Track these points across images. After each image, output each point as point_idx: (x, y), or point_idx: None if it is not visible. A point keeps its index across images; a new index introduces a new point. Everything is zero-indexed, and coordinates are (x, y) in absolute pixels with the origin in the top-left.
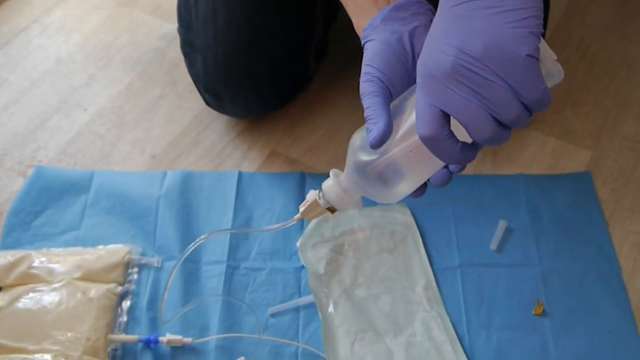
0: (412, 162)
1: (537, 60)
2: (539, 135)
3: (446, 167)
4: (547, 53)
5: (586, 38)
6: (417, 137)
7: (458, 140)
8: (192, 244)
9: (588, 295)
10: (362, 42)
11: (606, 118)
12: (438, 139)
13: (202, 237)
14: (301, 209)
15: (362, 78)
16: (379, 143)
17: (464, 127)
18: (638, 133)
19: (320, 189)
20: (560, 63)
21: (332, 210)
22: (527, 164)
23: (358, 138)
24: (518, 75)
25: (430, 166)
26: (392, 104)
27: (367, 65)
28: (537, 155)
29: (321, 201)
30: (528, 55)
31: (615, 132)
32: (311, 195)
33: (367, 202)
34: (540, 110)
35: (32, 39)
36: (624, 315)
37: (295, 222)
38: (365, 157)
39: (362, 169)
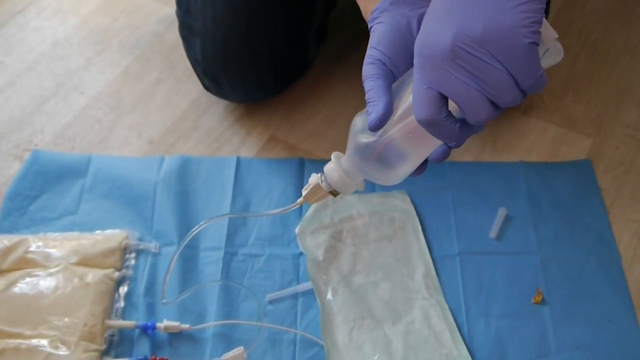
0: (411, 142)
1: (537, 45)
2: (540, 123)
3: (445, 143)
4: (548, 32)
5: (588, 25)
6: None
7: (456, 120)
8: (196, 227)
9: (588, 284)
10: (369, 25)
11: (607, 106)
12: (436, 122)
13: (205, 221)
14: (304, 192)
15: (366, 60)
16: (377, 125)
17: (461, 109)
18: (639, 121)
19: (322, 172)
20: None
21: (334, 193)
22: (527, 151)
23: (359, 121)
24: (517, 62)
25: (430, 145)
26: (393, 86)
27: (373, 48)
28: (538, 142)
29: (323, 184)
30: (529, 42)
31: (617, 120)
32: (313, 178)
33: (367, 188)
34: (534, 93)
35: (28, 21)
36: (624, 304)
37: (298, 205)
38: (365, 139)
39: (363, 151)
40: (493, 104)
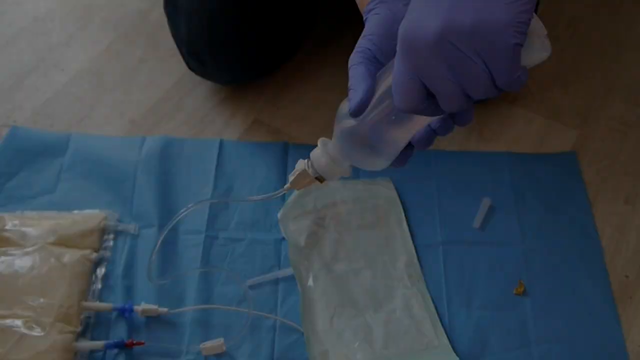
0: (394, 124)
1: (522, 46)
2: (526, 113)
3: (428, 126)
4: (537, 28)
5: (577, 16)
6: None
7: (436, 107)
8: (183, 209)
9: (569, 276)
10: (365, 17)
11: (594, 98)
12: (418, 110)
13: (192, 205)
14: (290, 178)
15: (355, 49)
16: (357, 111)
17: (436, 97)
18: (625, 114)
19: (308, 158)
20: (550, 41)
21: (320, 179)
22: (513, 141)
23: (344, 107)
24: (499, 61)
25: (412, 126)
26: (379, 73)
27: (364, 36)
28: (524, 133)
29: (310, 170)
30: (515, 43)
31: (603, 113)
32: (300, 164)
33: (351, 175)
34: (510, 91)
35: None
36: (605, 297)
37: (285, 192)
38: (349, 124)
39: (347, 136)
40: (467, 95)
